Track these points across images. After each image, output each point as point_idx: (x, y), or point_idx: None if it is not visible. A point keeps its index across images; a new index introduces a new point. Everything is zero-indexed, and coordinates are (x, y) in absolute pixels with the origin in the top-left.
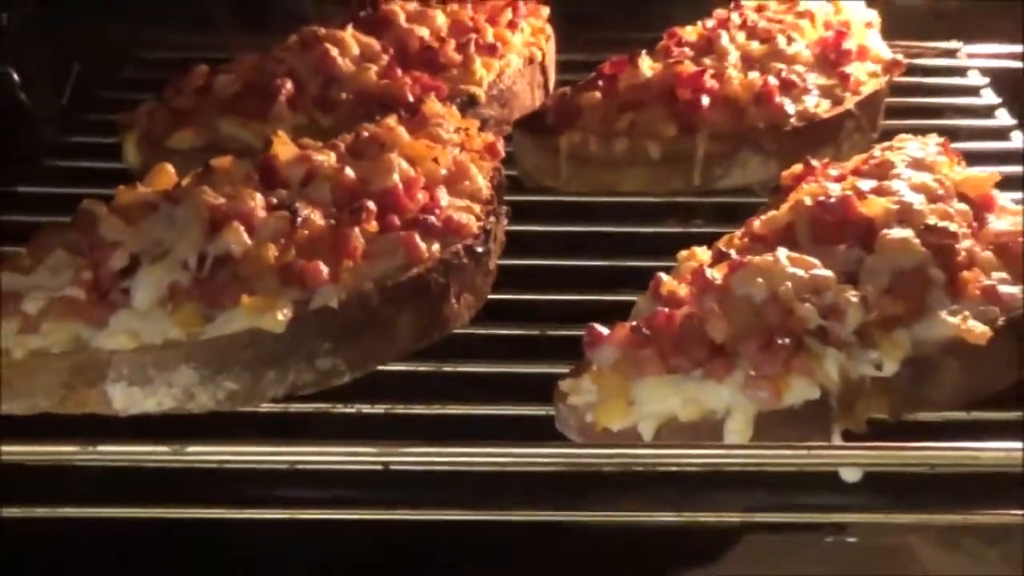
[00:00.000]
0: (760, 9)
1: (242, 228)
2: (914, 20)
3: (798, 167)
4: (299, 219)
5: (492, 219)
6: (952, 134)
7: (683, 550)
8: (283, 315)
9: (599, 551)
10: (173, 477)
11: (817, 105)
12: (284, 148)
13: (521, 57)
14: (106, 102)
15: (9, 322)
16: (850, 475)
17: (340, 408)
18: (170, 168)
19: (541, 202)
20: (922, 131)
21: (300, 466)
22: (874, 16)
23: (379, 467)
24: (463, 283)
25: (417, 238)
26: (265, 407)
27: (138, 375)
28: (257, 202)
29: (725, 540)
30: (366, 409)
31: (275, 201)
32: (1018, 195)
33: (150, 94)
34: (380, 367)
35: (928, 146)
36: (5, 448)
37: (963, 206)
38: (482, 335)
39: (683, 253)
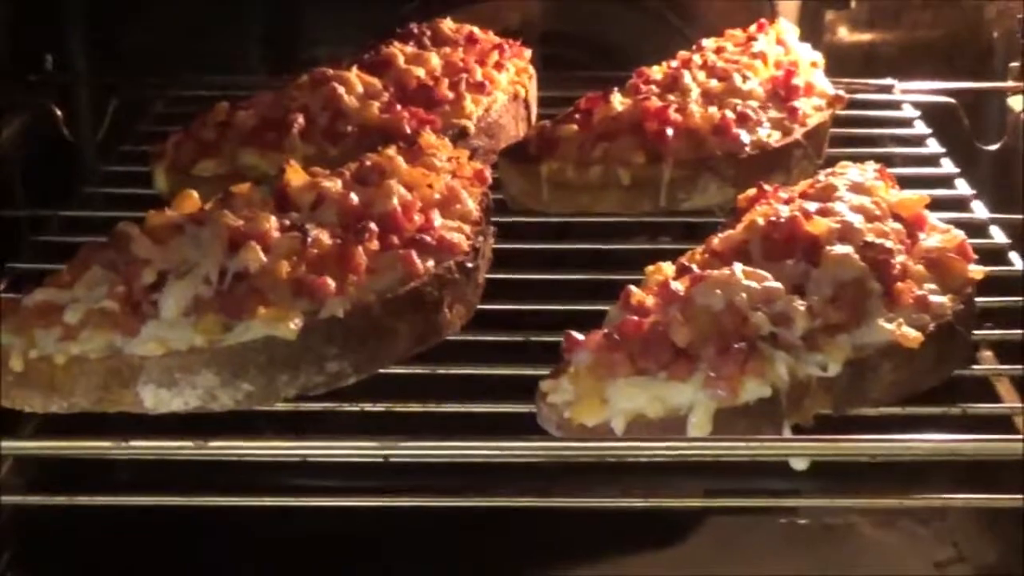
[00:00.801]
0: (719, 51)
1: (258, 247)
2: (854, 60)
3: (752, 191)
4: (309, 239)
5: (481, 238)
6: (888, 161)
7: (652, 532)
8: (295, 324)
9: (578, 532)
10: (197, 467)
11: (769, 136)
12: (296, 176)
13: (507, 94)
14: (139, 134)
15: (52, 331)
16: (799, 464)
17: (346, 407)
18: (195, 194)
19: (524, 223)
20: (862, 158)
21: (310, 458)
22: (819, 57)
23: (380, 459)
24: (455, 295)
25: (414, 255)
26: (279, 406)
27: (166, 378)
28: (272, 224)
29: (689, 522)
30: (369, 407)
31: (288, 223)
32: (946, 215)
33: (178, 127)
34: (382, 370)
35: (867, 172)
36: (50, 444)
37: (898, 225)
38: (472, 341)
39: (650, 268)
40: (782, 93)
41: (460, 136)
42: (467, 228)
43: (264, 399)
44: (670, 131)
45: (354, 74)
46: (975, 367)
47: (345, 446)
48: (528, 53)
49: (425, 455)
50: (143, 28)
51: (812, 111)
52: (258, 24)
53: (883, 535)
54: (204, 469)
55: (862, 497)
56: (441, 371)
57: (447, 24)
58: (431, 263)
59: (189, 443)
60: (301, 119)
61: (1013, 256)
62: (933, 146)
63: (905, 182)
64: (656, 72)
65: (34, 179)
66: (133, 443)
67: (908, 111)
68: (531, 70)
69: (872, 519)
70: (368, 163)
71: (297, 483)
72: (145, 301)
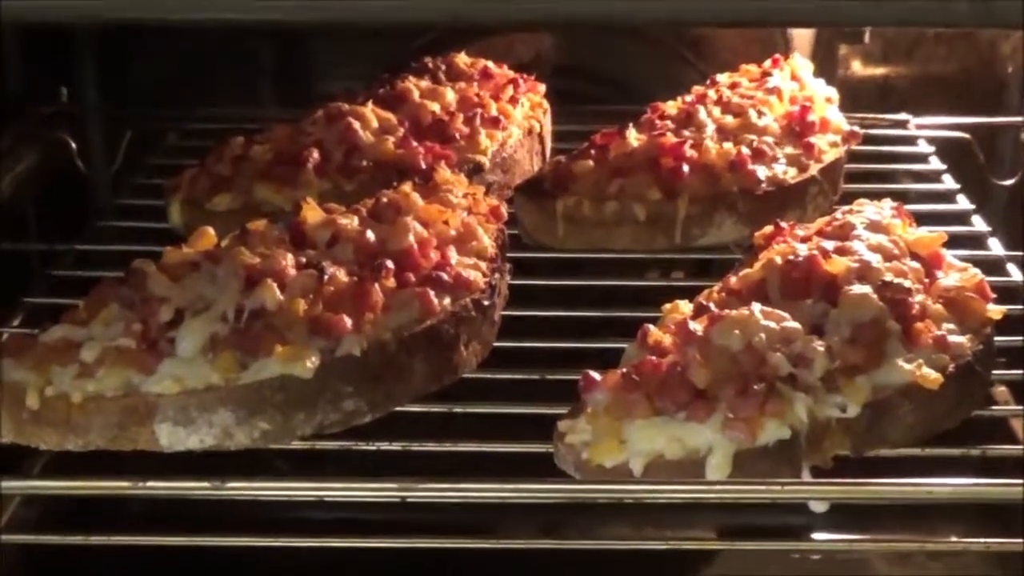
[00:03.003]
0: (734, 86)
1: (275, 285)
2: (868, 94)
3: (768, 228)
4: (325, 276)
5: (497, 275)
6: (903, 197)
7: (668, 561)
8: (311, 362)
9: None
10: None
11: (785, 172)
12: (312, 213)
13: (521, 129)
14: (153, 167)
15: (68, 368)
16: (818, 507)
17: (362, 445)
18: (211, 231)
19: (540, 258)
20: (877, 195)
21: (327, 498)
22: (833, 92)
23: (397, 500)
24: (471, 333)
25: (430, 293)
26: (295, 444)
27: (182, 416)
28: (288, 261)
29: (703, 554)
30: (385, 446)
31: (304, 260)
32: (962, 252)
33: (191, 160)
34: (398, 408)
35: (883, 209)
36: (67, 484)
37: (915, 264)
38: (489, 379)
39: (667, 306)
40: (797, 129)
41: (475, 171)
42: (483, 265)
43: (280, 437)
44: (686, 167)
45: (369, 109)
46: (994, 408)
47: (364, 487)
48: (542, 88)
49: (443, 497)
50: (155, 60)
51: (827, 147)
52: (269, 57)
53: (896, 569)
54: (218, 500)
55: (880, 540)
56: (458, 409)
57: (461, 58)
58: (447, 301)
59: (206, 484)
60: (316, 154)
61: None
62: (948, 182)
63: (921, 218)
64: (671, 107)
65: (48, 212)
66: (150, 483)
67: (923, 146)
68: (545, 104)
69: (885, 553)
70: (384, 200)
71: (310, 516)
72: (162, 339)
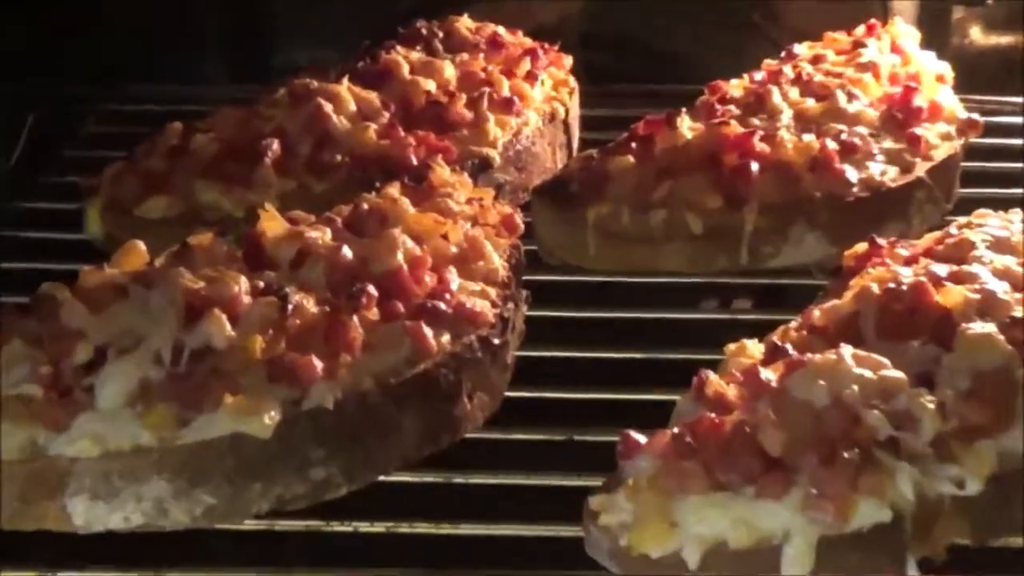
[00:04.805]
0: (816, 60)
1: (224, 316)
2: (989, 71)
3: (862, 246)
4: (289, 306)
5: (510, 305)
6: None
7: None
8: (270, 418)
9: None
10: None
11: (883, 172)
12: (272, 223)
13: (541, 114)
14: (64, 162)
15: None
16: None
17: (335, 526)
18: (141, 246)
19: (565, 283)
20: (1003, 203)
21: None
22: (946, 69)
23: None
24: (477, 380)
25: (424, 328)
26: (249, 523)
27: (103, 487)
28: (241, 286)
29: None
30: (365, 527)
31: (262, 285)
32: None
33: (117, 153)
34: (381, 478)
35: (1012, 223)
36: None
37: None
38: (499, 440)
39: (731, 347)
40: (899, 116)
41: (482, 169)
42: (492, 292)
43: (229, 515)
44: (755, 166)
45: (345, 87)
46: None
47: None
48: (568, 61)
49: None
50: (69, 22)
51: (938, 140)
52: (215, 19)
53: None
54: None
55: None
56: (459, 480)
57: (464, 23)
58: (446, 338)
59: None
60: (276, 145)
61: None
62: None
63: None
64: (735, 88)
65: None
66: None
67: None
68: (572, 83)
69: None
70: (365, 206)
71: None
72: (77, 386)
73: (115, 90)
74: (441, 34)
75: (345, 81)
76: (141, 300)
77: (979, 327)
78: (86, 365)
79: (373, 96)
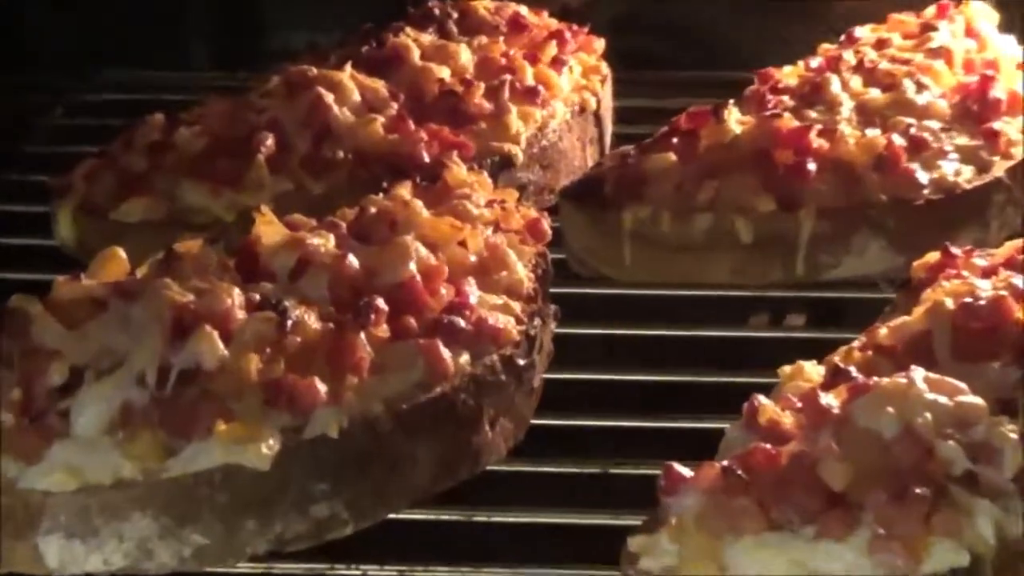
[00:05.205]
0: (880, 45)
1: (215, 333)
2: None
3: (933, 255)
4: (289, 322)
5: (537, 321)
6: None
7: None
8: (268, 447)
9: None
10: None
11: (957, 172)
12: (268, 228)
13: (569, 104)
14: (30, 158)
15: None
16: None
17: (340, 569)
18: (121, 254)
19: (598, 296)
20: None
21: None
22: None
23: None
24: (499, 405)
25: (440, 347)
26: (243, 566)
27: (80, 525)
28: (235, 300)
29: None
30: (374, 571)
31: (257, 298)
32: None
33: (90, 148)
34: (392, 515)
35: None
36: None
37: None
38: (524, 473)
39: (786, 369)
40: (975, 109)
41: (503, 167)
42: (517, 306)
43: (221, 557)
44: (812, 165)
45: (347, 74)
46: None
47: None
48: (600, 45)
49: None
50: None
51: (1019, 136)
52: None
53: None
54: None
55: None
56: (480, 518)
57: (482, 2)
58: (465, 358)
59: None
60: (271, 141)
61: None
62: None
63: None
64: (789, 76)
65: None
66: None
67: None
68: (604, 69)
69: None
70: (372, 210)
71: None
72: (51, 411)
73: (86, 77)
74: (456, 14)
75: (348, 67)
76: (122, 315)
77: None
78: (61, 388)
79: (379, 85)
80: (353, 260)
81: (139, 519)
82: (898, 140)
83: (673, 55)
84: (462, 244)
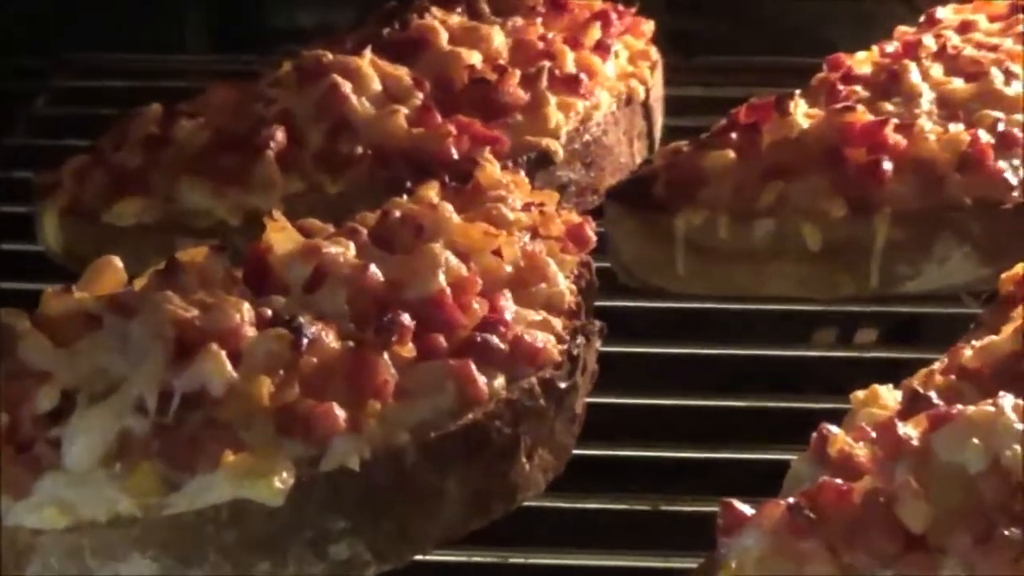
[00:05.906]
0: (965, 29)
1: (223, 353)
2: None
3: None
4: (304, 340)
5: (580, 339)
6: None
7: None
8: (281, 481)
9: None
10: None
11: None
12: (280, 235)
13: (614, 94)
14: (9, 153)
15: None
16: None
17: None
18: (117, 263)
19: (648, 310)
20: None
21: None
22: None
23: None
24: (538, 434)
25: (473, 368)
26: None
27: (72, 567)
28: (244, 315)
29: None
30: None
31: (269, 314)
32: None
33: (79, 142)
34: (418, 556)
35: None
36: None
37: None
38: (565, 510)
39: (858, 394)
40: None
41: (541, 165)
42: (557, 323)
43: None
44: (887, 164)
45: (367, 60)
46: None
47: None
48: (649, 28)
49: None
50: None
51: None
52: None
53: None
54: None
55: None
56: (516, 559)
57: None
58: (500, 381)
59: None
60: (281, 134)
61: None
62: None
63: None
64: (861, 63)
65: None
66: None
67: None
68: (654, 55)
69: None
70: (396, 214)
71: None
72: (40, 440)
73: (71, 61)
74: None
75: (367, 52)
76: (119, 332)
77: None
78: (51, 414)
79: (402, 72)
80: (375, 271)
81: (138, 560)
82: (984, 136)
83: (731, 39)
84: (496, 253)
